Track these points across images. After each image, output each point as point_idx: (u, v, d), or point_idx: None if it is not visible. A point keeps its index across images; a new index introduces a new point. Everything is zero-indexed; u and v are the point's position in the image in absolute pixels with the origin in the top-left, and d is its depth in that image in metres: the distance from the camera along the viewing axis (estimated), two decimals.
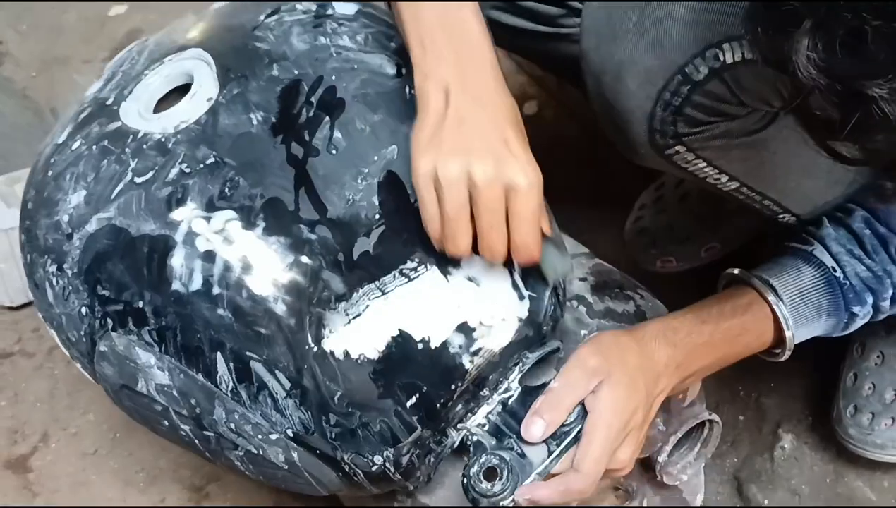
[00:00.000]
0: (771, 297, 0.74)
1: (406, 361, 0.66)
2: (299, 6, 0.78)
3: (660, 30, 0.64)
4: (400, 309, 0.66)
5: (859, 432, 0.92)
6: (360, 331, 0.66)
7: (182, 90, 0.81)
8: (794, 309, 0.74)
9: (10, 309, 1.24)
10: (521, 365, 0.70)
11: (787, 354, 0.77)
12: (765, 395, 1.03)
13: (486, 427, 0.69)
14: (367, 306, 0.66)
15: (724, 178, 0.72)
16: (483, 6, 0.81)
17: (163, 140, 0.73)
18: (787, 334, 0.75)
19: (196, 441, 0.71)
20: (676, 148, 0.68)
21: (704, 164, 0.70)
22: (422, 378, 0.66)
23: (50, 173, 0.78)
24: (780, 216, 0.76)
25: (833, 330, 0.78)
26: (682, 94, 0.64)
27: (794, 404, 1.02)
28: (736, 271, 0.77)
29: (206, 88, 0.75)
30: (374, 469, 0.67)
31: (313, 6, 0.78)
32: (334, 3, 0.78)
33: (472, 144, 0.61)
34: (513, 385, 0.70)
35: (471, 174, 0.61)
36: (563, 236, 0.82)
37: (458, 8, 0.66)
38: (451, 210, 0.61)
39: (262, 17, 0.78)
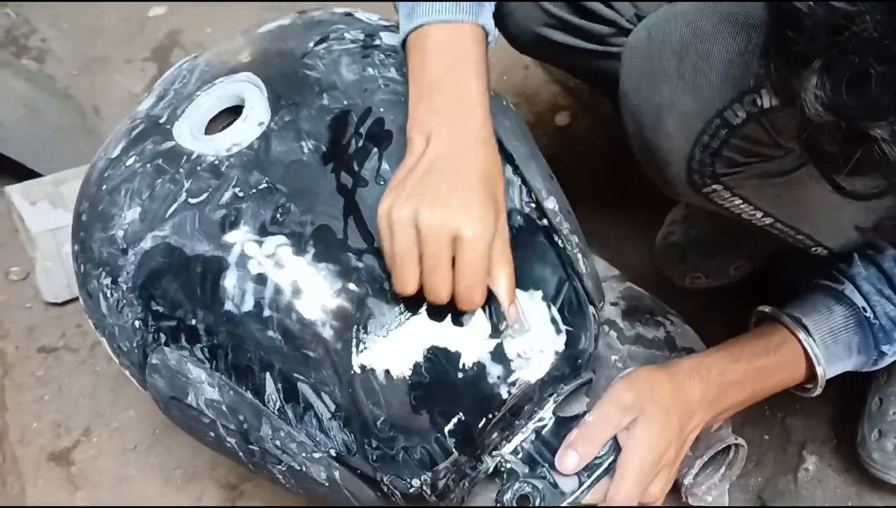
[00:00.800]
0: (802, 335, 0.76)
1: (446, 388, 0.68)
2: (347, 35, 0.80)
3: (699, 75, 0.65)
4: (439, 334, 0.69)
5: (883, 456, 0.93)
6: (399, 352, 0.69)
7: (231, 110, 0.84)
8: (825, 348, 0.76)
9: (55, 304, 1.27)
10: (555, 396, 0.72)
11: (819, 391, 0.79)
12: (790, 416, 1.04)
13: (520, 455, 0.72)
14: (406, 327, 0.69)
15: (759, 214, 0.74)
16: (534, 23, 0.83)
17: (216, 162, 0.75)
18: (819, 371, 0.77)
19: (240, 454, 0.74)
20: (714, 186, 0.70)
21: (740, 201, 0.72)
22: (461, 405, 0.69)
23: (105, 187, 0.81)
24: (813, 249, 0.78)
25: (862, 366, 0.80)
26: (720, 137, 0.66)
27: (820, 426, 1.03)
28: (767, 309, 0.79)
29: (258, 112, 0.78)
30: (411, 490, 0.69)
31: (361, 35, 0.80)
32: (381, 34, 0.80)
33: (428, 191, 0.64)
34: (546, 415, 0.72)
35: (417, 219, 0.63)
36: (595, 258, 0.84)
37: (462, 66, 0.67)
38: (398, 248, 0.64)
39: (311, 45, 0.80)
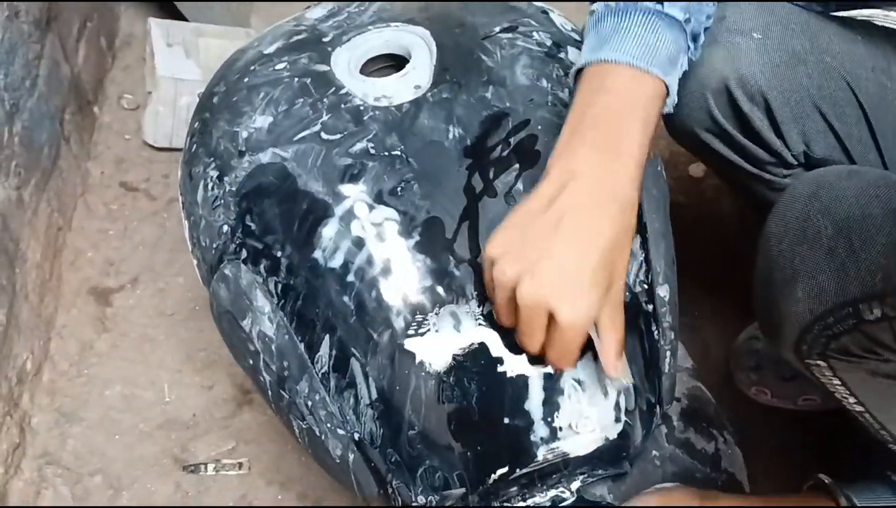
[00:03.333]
0: None
1: (489, 428, 0.67)
2: (536, 35, 0.77)
3: (851, 258, 0.61)
4: (504, 373, 0.67)
5: None
6: (459, 375, 0.67)
7: (391, 57, 0.81)
8: None
9: (151, 147, 1.28)
10: (585, 476, 0.70)
11: None
12: None
13: None
14: (475, 351, 0.67)
15: (852, 400, 0.70)
16: (698, 126, 0.79)
17: (361, 108, 0.73)
18: None
19: (269, 393, 0.73)
20: (818, 362, 0.67)
21: (839, 383, 0.69)
22: (494, 448, 0.67)
23: (246, 81, 0.79)
24: (891, 445, 0.74)
25: None
26: (845, 325, 0.62)
27: None
28: (827, 480, 0.76)
29: (419, 74, 0.75)
30: (413, 504, 0.69)
31: (549, 41, 0.77)
32: (569, 48, 0.77)
33: (541, 257, 0.60)
34: (570, 489, 0.71)
35: (518, 286, 0.60)
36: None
37: (631, 114, 0.63)
38: (496, 299, 0.63)
39: (496, 29, 0.77)
